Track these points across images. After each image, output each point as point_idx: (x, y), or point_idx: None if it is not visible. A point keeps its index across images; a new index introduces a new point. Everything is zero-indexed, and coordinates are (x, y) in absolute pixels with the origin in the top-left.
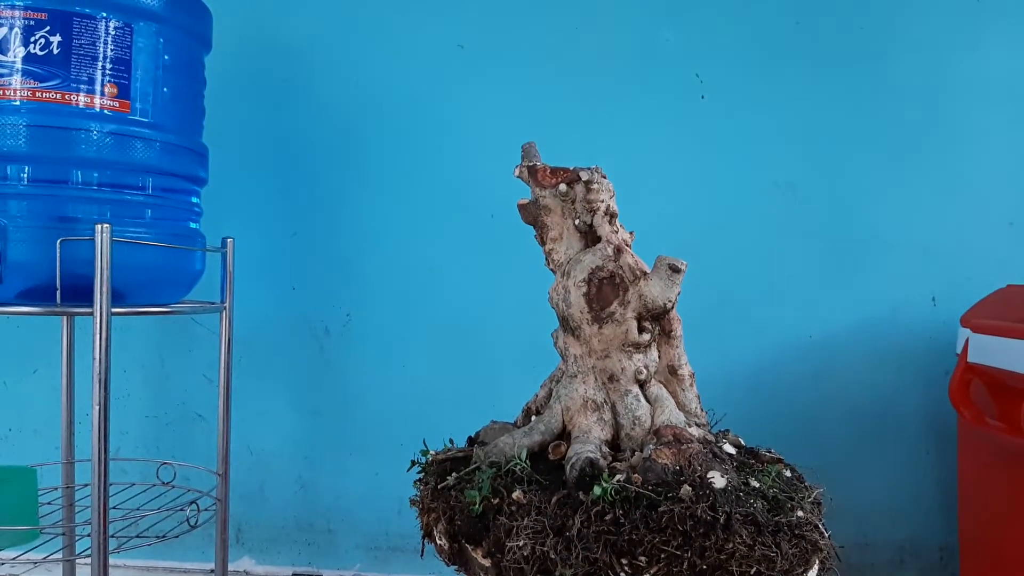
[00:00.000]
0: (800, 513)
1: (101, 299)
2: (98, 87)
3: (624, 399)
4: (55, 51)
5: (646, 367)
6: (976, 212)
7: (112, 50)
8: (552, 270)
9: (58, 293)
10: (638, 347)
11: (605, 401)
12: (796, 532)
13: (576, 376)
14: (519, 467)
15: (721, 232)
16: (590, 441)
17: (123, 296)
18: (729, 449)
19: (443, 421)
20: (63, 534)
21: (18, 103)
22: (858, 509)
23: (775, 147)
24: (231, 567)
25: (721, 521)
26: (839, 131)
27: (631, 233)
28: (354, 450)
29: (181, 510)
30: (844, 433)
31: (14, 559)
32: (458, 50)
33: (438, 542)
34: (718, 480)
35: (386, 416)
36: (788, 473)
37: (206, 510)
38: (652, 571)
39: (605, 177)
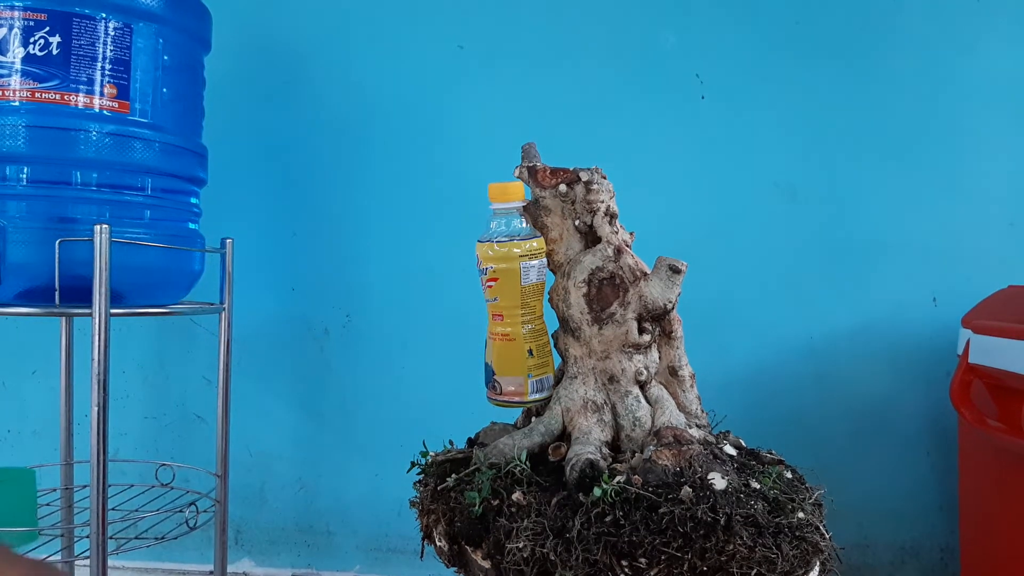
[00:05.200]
0: (801, 514)
1: (100, 300)
2: (97, 88)
3: (624, 400)
4: (54, 52)
5: (646, 368)
6: (976, 212)
7: (111, 51)
8: (552, 271)
9: (57, 294)
10: (638, 348)
11: (605, 402)
12: (797, 533)
13: (576, 377)
14: (519, 468)
15: (721, 232)
16: (590, 442)
17: (122, 297)
18: (730, 450)
19: (443, 422)
20: (62, 535)
21: (17, 104)
22: (859, 510)
23: (775, 147)
24: (230, 568)
25: (722, 522)
26: (839, 131)
27: (631, 234)
28: (354, 451)
29: (180, 511)
30: (845, 434)
31: None
32: (458, 51)
33: (438, 544)
34: (718, 481)
35: (386, 417)
36: (789, 474)
37: (205, 511)
38: (652, 572)
39: (605, 178)
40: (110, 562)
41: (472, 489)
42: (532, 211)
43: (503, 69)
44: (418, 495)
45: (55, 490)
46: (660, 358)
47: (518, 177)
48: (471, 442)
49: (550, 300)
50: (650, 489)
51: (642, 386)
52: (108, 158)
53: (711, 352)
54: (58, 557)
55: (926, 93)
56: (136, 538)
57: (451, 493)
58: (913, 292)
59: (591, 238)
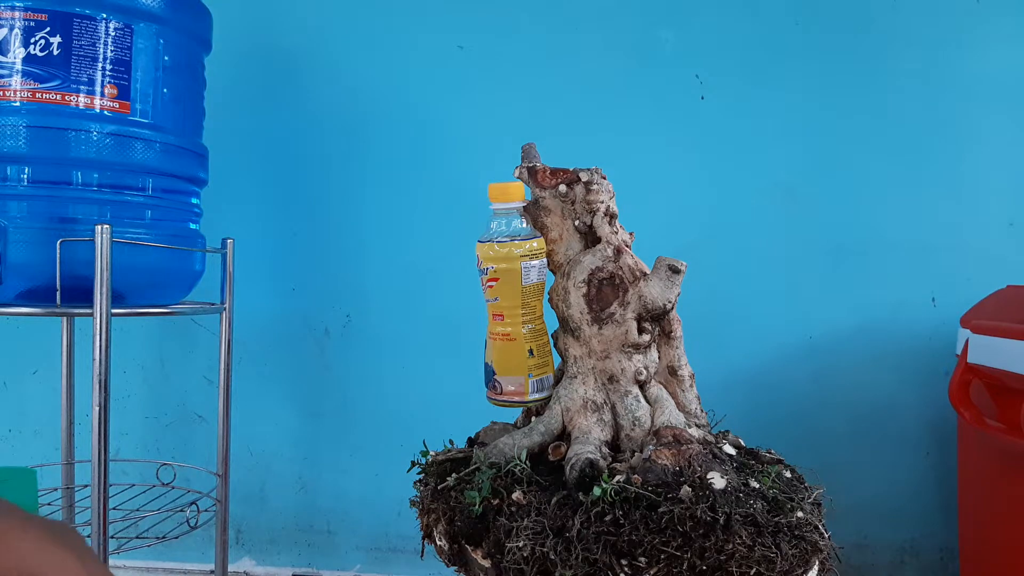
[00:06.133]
0: (800, 514)
1: (101, 300)
2: (98, 88)
3: (624, 400)
4: (55, 52)
5: (646, 368)
6: (976, 212)
7: (112, 51)
8: (552, 271)
9: (58, 294)
10: (638, 348)
11: (605, 402)
12: (796, 533)
13: (576, 377)
14: (519, 468)
15: (721, 232)
16: (590, 442)
17: (123, 297)
18: (729, 450)
19: (443, 422)
20: None
21: (18, 104)
22: (858, 510)
23: (775, 147)
24: (231, 568)
25: (721, 522)
26: (839, 131)
27: (631, 234)
28: (354, 451)
29: (181, 511)
30: (844, 434)
31: None
32: (458, 51)
33: (438, 543)
34: (718, 481)
35: (386, 417)
36: (788, 474)
37: (206, 511)
38: (652, 572)
39: (605, 178)
40: (111, 561)
41: (472, 488)
42: (532, 211)
43: (503, 69)
44: (418, 494)
45: (56, 490)
46: (659, 358)
47: (518, 177)
48: (471, 441)
49: (550, 300)
50: (650, 488)
51: (642, 386)
52: (109, 158)
53: (711, 352)
54: None
55: (926, 93)
56: (137, 537)
57: (451, 492)
58: (912, 292)
59: (591, 238)
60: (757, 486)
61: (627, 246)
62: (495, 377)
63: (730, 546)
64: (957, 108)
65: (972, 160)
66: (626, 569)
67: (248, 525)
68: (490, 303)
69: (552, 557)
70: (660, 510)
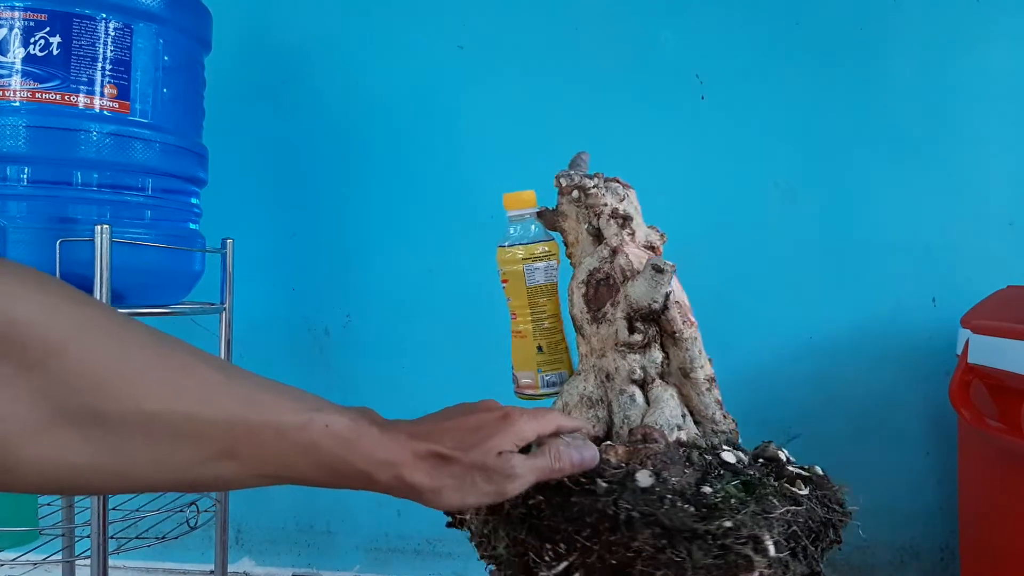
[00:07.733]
0: (728, 523)
1: (101, 300)
2: (98, 88)
3: (619, 398)
4: (55, 52)
5: (643, 368)
6: (976, 212)
7: (112, 51)
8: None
9: None
10: (631, 347)
11: (602, 399)
12: (719, 542)
13: (580, 374)
14: None
15: (721, 232)
16: (576, 437)
17: (122, 297)
18: (728, 457)
19: None
20: (63, 535)
21: (18, 104)
22: (858, 510)
23: (775, 147)
24: (231, 568)
25: (622, 518)
26: (839, 131)
27: (662, 235)
28: None
29: (181, 511)
30: (844, 434)
31: (14, 560)
32: (458, 51)
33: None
34: (644, 479)
35: (385, 416)
36: (804, 491)
37: (206, 511)
38: (570, 559)
39: (613, 180)
40: (111, 562)
41: None
42: (548, 216)
43: (503, 70)
44: None
45: None
46: (670, 359)
47: (556, 185)
48: None
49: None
50: (575, 479)
51: (642, 385)
52: (108, 158)
53: (711, 352)
54: (59, 557)
55: (926, 93)
56: (137, 538)
57: None
58: (913, 292)
59: (601, 241)
60: (708, 491)
61: (653, 248)
62: (513, 372)
63: (636, 543)
64: (957, 108)
65: (972, 160)
66: (551, 552)
67: (248, 525)
68: (507, 303)
69: (486, 532)
70: (572, 499)
